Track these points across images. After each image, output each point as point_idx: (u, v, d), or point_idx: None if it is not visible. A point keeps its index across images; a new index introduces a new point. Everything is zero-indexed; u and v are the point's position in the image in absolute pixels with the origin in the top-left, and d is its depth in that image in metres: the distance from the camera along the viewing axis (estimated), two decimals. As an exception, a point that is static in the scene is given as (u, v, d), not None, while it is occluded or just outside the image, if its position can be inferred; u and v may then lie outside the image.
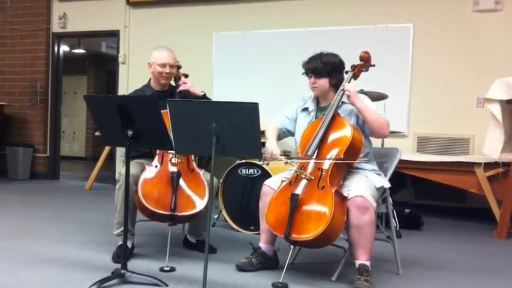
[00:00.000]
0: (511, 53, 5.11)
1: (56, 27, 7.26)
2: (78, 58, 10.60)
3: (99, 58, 10.96)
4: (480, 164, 4.45)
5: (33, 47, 7.29)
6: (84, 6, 7.06)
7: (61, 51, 7.49)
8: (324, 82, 2.89)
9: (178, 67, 3.42)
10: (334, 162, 2.66)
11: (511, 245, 3.96)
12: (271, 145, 2.93)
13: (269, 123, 3.14)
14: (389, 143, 4.42)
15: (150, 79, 3.42)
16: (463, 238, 4.22)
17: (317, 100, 3.03)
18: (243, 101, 2.35)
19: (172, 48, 3.39)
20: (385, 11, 5.57)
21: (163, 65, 3.28)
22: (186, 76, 3.43)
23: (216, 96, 6.08)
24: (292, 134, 3.11)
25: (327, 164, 2.67)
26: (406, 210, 4.51)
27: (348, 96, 2.79)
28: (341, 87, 2.83)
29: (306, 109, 3.04)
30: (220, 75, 6.26)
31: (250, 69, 6.06)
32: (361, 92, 3.51)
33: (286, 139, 3.19)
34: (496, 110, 4.12)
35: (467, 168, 4.52)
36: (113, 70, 7.24)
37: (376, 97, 4.15)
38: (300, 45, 5.42)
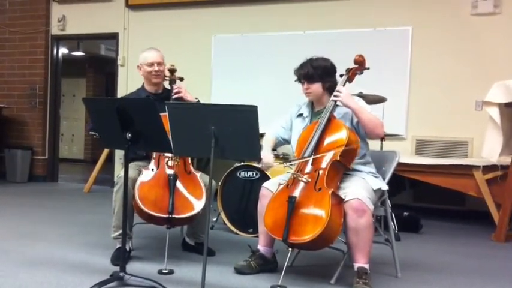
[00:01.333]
0: (509, 56, 5.11)
1: (55, 30, 7.26)
2: (77, 60, 10.59)
3: (98, 60, 10.96)
4: (479, 167, 4.45)
5: (32, 49, 7.29)
6: (83, 9, 7.06)
7: (60, 54, 7.49)
8: (317, 87, 2.90)
9: (174, 70, 3.41)
10: (331, 164, 2.66)
11: (510, 248, 3.96)
12: (265, 155, 2.90)
13: (266, 131, 3.12)
14: (387, 145, 4.43)
15: (143, 83, 3.43)
16: (461, 241, 4.22)
17: (311, 105, 3.04)
18: (242, 103, 2.35)
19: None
20: (384, 14, 5.58)
21: (151, 64, 3.29)
22: (182, 79, 3.41)
23: (214, 98, 6.10)
24: (288, 142, 3.12)
25: (323, 165, 2.67)
26: (405, 213, 4.51)
27: (341, 101, 2.78)
28: (334, 92, 2.82)
29: (300, 115, 3.05)
30: (219, 77, 6.26)
31: (249, 71, 6.06)
32: (360, 94, 3.52)
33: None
34: (495, 113, 4.12)
35: (466, 171, 4.51)
36: (112, 72, 7.24)
37: (375, 100, 4.15)
38: (298, 48, 5.40)
